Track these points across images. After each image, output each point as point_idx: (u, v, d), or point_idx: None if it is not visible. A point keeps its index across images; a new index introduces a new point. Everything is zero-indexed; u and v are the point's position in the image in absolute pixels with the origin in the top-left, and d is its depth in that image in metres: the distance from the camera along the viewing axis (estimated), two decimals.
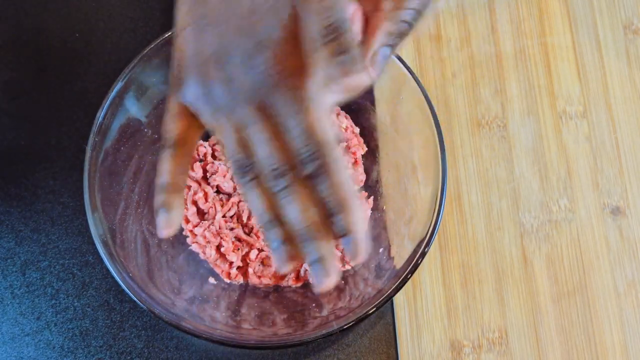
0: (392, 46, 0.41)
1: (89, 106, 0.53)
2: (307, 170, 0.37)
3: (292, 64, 0.37)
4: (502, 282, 0.60)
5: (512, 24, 0.66)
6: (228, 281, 0.57)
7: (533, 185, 0.62)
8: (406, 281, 0.51)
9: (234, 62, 0.37)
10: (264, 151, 0.37)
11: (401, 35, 0.41)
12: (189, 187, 0.58)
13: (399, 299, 0.59)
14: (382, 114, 0.59)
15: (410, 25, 0.41)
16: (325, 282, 0.38)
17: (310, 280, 0.54)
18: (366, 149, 0.60)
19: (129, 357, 0.58)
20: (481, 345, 0.58)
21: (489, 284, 0.60)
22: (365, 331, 0.59)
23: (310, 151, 0.37)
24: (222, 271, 0.57)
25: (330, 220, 0.38)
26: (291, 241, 0.38)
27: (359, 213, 0.38)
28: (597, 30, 0.66)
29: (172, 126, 0.41)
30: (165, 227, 0.41)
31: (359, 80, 0.39)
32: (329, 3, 0.36)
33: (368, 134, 0.60)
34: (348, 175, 0.37)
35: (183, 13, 0.39)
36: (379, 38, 0.40)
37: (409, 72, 0.55)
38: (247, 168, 0.38)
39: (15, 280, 0.59)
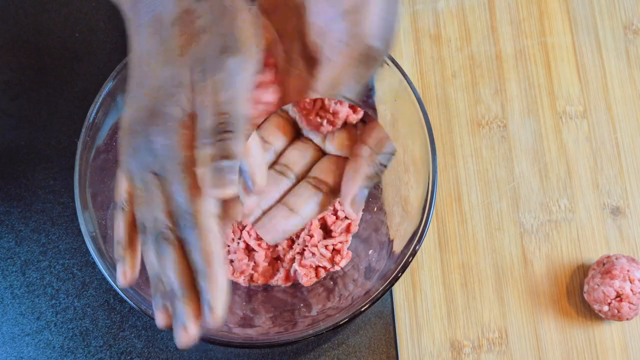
0: (369, 187, 0.46)
1: (89, 106, 0.53)
2: (181, 235, 0.39)
3: (181, 140, 0.38)
4: (502, 282, 0.60)
5: (512, 24, 0.66)
6: None
7: (533, 185, 0.62)
8: (396, 280, 0.51)
9: (139, 134, 0.39)
10: (154, 213, 0.39)
11: (378, 176, 0.46)
12: None
13: (399, 299, 0.59)
14: (383, 114, 0.59)
15: (385, 166, 0.45)
16: (180, 339, 0.39)
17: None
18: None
19: (129, 357, 0.58)
20: (481, 345, 0.58)
21: (489, 284, 0.60)
22: (365, 331, 0.59)
23: (185, 219, 0.38)
24: None
25: (195, 283, 0.39)
26: (167, 298, 0.40)
27: (220, 284, 0.39)
28: (597, 30, 0.66)
29: (120, 188, 0.43)
30: (121, 278, 0.43)
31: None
32: (225, 97, 0.37)
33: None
34: (217, 248, 0.39)
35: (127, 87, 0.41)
36: (360, 182, 0.45)
37: (402, 74, 0.54)
38: (143, 228, 0.40)
39: (15, 280, 0.59)
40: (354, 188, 0.45)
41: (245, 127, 0.38)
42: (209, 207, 0.39)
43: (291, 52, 0.42)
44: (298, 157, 0.50)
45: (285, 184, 0.49)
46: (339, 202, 0.48)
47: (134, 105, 0.39)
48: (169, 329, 0.40)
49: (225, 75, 0.37)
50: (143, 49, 0.39)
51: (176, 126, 0.38)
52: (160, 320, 0.40)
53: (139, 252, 0.43)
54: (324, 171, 0.49)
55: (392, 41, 0.41)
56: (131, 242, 0.43)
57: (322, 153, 0.50)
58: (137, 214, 0.40)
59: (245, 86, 0.38)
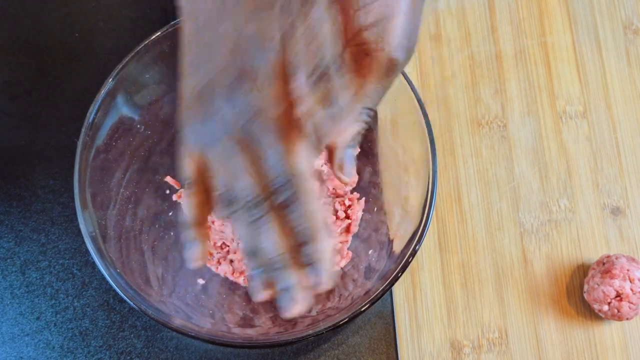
0: (355, 145, 0.42)
1: (89, 106, 0.53)
2: (279, 199, 0.38)
3: (275, 94, 0.37)
4: (502, 282, 0.60)
5: (512, 24, 0.66)
6: (216, 271, 0.57)
7: (533, 185, 0.62)
8: (396, 280, 0.51)
9: (218, 97, 0.37)
10: (241, 183, 0.38)
11: (360, 133, 0.41)
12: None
13: (399, 299, 0.59)
14: (383, 114, 0.59)
15: (368, 123, 0.41)
16: (292, 309, 0.39)
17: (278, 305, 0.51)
18: (359, 150, 0.59)
19: (128, 357, 0.58)
20: (481, 345, 0.58)
21: (489, 284, 0.60)
22: (365, 331, 0.59)
23: (283, 180, 0.37)
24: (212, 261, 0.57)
25: (299, 249, 0.38)
26: (266, 270, 0.39)
27: (326, 245, 0.38)
28: (597, 30, 0.66)
29: (185, 167, 0.41)
30: (194, 260, 0.42)
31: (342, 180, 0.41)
32: (317, 44, 0.36)
33: (361, 135, 0.59)
34: (319, 207, 0.38)
35: (185, 57, 0.39)
36: (341, 143, 0.41)
37: (402, 73, 0.54)
38: (228, 201, 0.39)
39: (15, 280, 0.59)
40: (337, 153, 0.41)
41: (344, 72, 0.38)
42: (305, 166, 0.37)
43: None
44: None
45: None
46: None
47: (201, 72, 0.38)
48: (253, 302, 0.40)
49: (312, 25, 0.36)
50: (205, 15, 0.38)
51: (267, 80, 0.37)
52: (258, 294, 0.40)
53: (210, 232, 0.42)
54: None
55: (413, 53, 0.41)
56: (202, 223, 0.42)
57: None
58: (219, 188, 0.39)
59: (332, 34, 0.37)
